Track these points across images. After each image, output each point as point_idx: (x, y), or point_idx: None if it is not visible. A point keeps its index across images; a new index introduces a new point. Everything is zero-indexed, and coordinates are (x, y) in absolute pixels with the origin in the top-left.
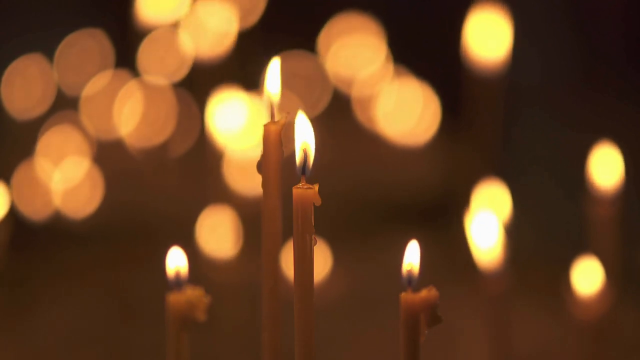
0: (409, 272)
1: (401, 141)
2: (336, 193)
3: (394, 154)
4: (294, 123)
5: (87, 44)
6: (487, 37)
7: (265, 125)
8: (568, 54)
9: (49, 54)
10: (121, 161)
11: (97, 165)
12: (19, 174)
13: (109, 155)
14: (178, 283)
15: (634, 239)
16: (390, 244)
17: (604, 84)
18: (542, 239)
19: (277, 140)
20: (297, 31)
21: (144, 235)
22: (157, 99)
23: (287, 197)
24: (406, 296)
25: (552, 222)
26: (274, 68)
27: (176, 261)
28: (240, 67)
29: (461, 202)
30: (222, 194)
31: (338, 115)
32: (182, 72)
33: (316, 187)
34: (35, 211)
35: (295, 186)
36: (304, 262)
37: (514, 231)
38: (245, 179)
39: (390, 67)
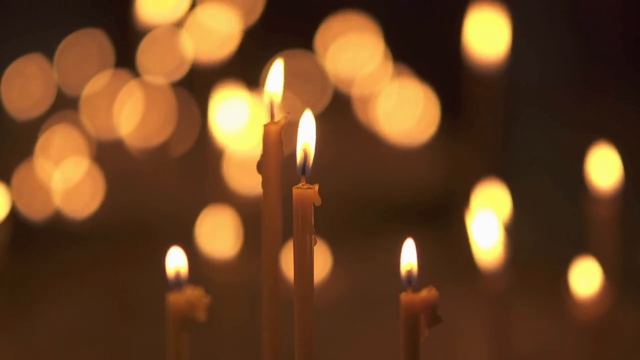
0: (409, 272)
1: (401, 141)
2: (336, 193)
3: (394, 154)
4: (294, 123)
5: (87, 44)
6: (487, 37)
7: (265, 126)
8: (567, 54)
9: (49, 54)
10: (121, 161)
11: (97, 165)
12: (19, 174)
13: (109, 155)
14: (178, 283)
15: (633, 239)
16: (390, 244)
17: (603, 83)
18: (542, 239)
19: (277, 140)
20: (297, 31)
21: (144, 235)
22: (157, 99)
23: (287, 197)
24: (406, 296)
25: (552, 222)
26: (276, 69)
27: (176, 261)
28: (240, 66)
29: (461, 202)
30: (222, 194)
31: (338, 115)
32: (182, 72)
33: (316, 187)
34: (35, 211)
35: (295, 186)
36: (304, 262)
37: (514, 231)
38: (245, 179)
39: (390, 66)
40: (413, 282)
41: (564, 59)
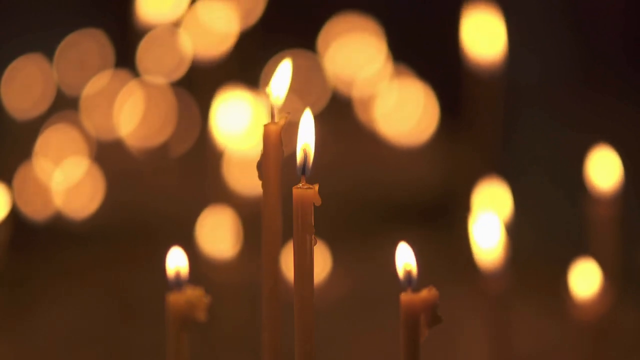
0: (408, 273)
1: (401, 141)
2: (336, 193)
3: (394, 154)
4: (294, 123)
5: (87, 44)
6: (486, 37)
7: (265, 126)
8: (567, 54)
9: (49, 54)
10: (121, 161)
11: (97, 165)
12: (20, 174)
13: (109, 155)
14: (178, 283)
15: (633, 239)
16: (391, 244)
17: (603, 83)
18: (542, 239)
19: (277, 140)
20: (297, 31)
21: (144, 235)
22: (157, 99)
23: (287, 197)
24: (406, 296)
25: (552, 222)
26: (283, 69)
27: (176, 261)
28: (240, 66)
29: (461, 202)
30: (222, 194)
31: (338, 115)
32: (181, 72)
33: (316, 187)
34: (35, 211)
35: (295, 186)
36: (304, 262)
37: (514, 231)
38: (245, 179)
39: (390, 67)
40: (413, 282)
41: (564, 59)
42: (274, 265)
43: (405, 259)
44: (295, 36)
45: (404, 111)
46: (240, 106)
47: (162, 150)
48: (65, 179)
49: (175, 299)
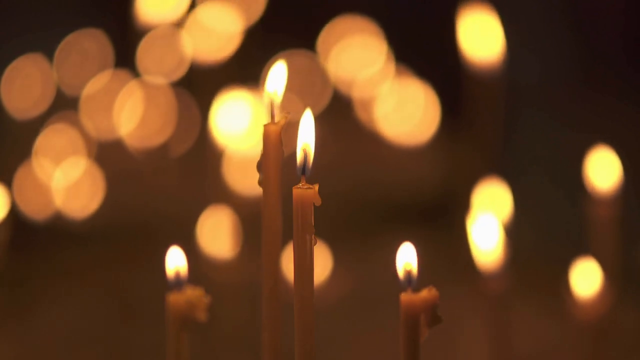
0: (408, 273)
1: (401, 141)
2: (336, 193)
3: (394, 154)
4: (294, 123)
5: (87, 44)
6: (487, 37)
7: (265, 126)
8: (567, 54)
9: (49, 54)
10: (121, 161)
11: (97, 165)
12: (20, 174)
13: (109, 155)
14: (178, 283)
15: (633, 239)
16: (391, 244)
17: (603, 83)
18: (542, 239)
19: (277, 140)
20: (297, 31)
21: (144, 235)
22: (157, 99)
23: (287, 197)
24: (406, 296)
25: (552, 222)
26: (278, 70)
27: (176, 261)
28: (240, 66)
29: (461, 202)
30: (222, 194)
31: (338, 115)
32: (181, 72)
33: (316, 187)
34: (35, 211)
35: (295, 186)
36: (304, 262)
37: (514, 231)
38: (245, 179)
39: (391, 67)
40: (413, 282)
41: (564, 59)
42: (274, 265)
43: (406, 258)
44: (296, 37)
45: (404, 111)
46: (240, 106)
47: (162, 150)
48: (65, 179)
49: (175, 299)
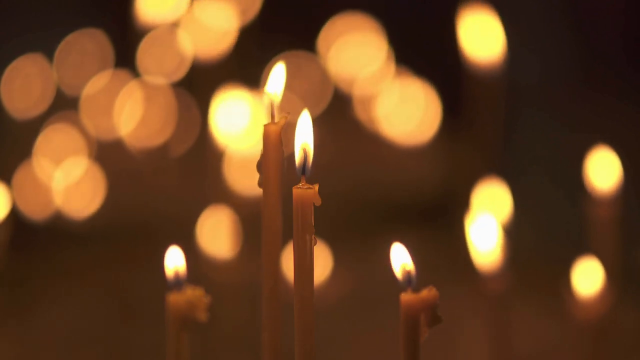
0: (407, 273)
1: (401, 141)
2: (336, 193)
3: (394, 154)
4: (294, 123)
5: (87, 44)
6: (487, 37)
7: (265, 126)
8: (567, 54)
9: (49, 54)
10: (121, 161)
11: (97, 165)
12: (20, 174)
13: (109, 155)
14: (178, 283)
15: (633, 239)
16: (391, 244)
17: (603, 83)
18: (542, 239)
19: (277, 140)
20: (297, 31)
21: (144, 235)
22: (157, 99)
23: (287, 197)
24: (406, 296)
25: (552, 222)
26: (277, 70)
27: (174, 261)
28: (240, 66)
29: (461, 202)
30: (222, 194)
31: (339, 115)
32: (181, 72)
33: (316, 187)
34: (35, 211)
35: (295, 186)
36: (304, 262)
37: (514, 231)
38: (245, 179)
39: (391, 67)
40: (413, 282)
41: (564, 59)
42: (274, 265)
43: (401, 260)
44: (296, 36)
45: (405, 111)
46: (240, 106)
47: (162, 150)
48: (65, 179)
49: (175, 299)
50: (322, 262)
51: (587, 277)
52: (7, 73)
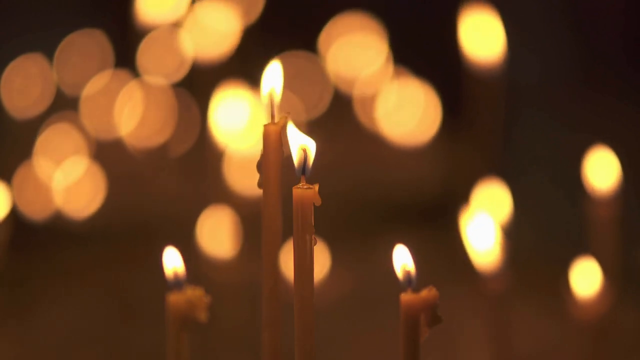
0: (407, 273)
1: (401, 141)
2: (336, 193)
3: (394, 154)
4: (293, 124)
5: (87, 44)
6: (487, 37)
7: (265, 126)
8: (567, 54)
9: (49, 54)
10: (121, 161)
11: (97, 165)
12: (20, 174)
13: (109, 155)
14: (178, 283)
15: (633, 239)
16: (391, 244)
17: (603, 83)
18: (542, 239)
19: (277, 140)
20: (297, 31)
21: (144, 236)
22: (157, 99)
23: (287, 197)
24: (406, 296)
25: (552, 222)
26: (274, 70)
27: (172, 261)
28: (240, 66)
29: (461, 202)
30: (222, 194)
31: (338, 115)
32: (182, 72)
33: (316, 187)
34: (35, 211)
35: (295, 186)
36: (304, 262)
37: (514, 231)
38: (245, 179)
39: (391, 67)
40: (413, 283)
41: (564, 59)
42: (274, 265)
43: (402, 261)
44: (296, 36)
45: (405, 111)
46: (241, 106)
47: (162, 151)
48: (65, 179)
49: (175, 299)
50: (322, 262)
51: (587, 277)
52: (7, 73)
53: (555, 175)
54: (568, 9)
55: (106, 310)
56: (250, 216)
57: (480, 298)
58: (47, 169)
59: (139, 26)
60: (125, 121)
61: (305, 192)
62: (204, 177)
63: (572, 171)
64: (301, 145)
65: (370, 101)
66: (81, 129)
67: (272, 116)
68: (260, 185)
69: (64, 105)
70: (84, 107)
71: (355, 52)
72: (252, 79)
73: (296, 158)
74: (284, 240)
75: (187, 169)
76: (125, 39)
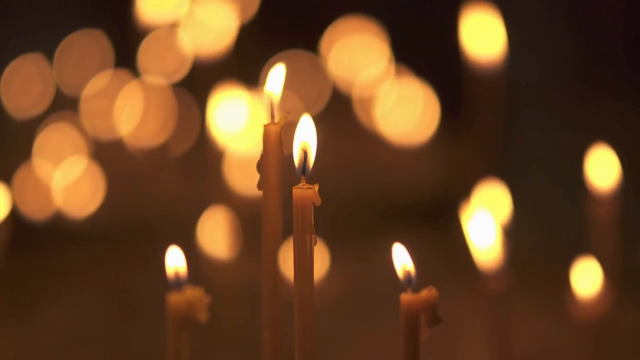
0: (407, 273)
1: (401, 141)
2: (336, 193)
3: (394, 154)
4: (294, 123)
5: (87, 44)
6: (486, 37)
7: (265, 126)
8: (567, 54)
9: (49, 54)
10: (121, 161)
11: (97, 165)
12: (20, 174)
13: (109, 155)
14: (178, 283)
15: (633, 239)
16: (391, 244)
17: (603, 83)
18: (542, 239)
19: (277, 140)
20: (297, 32)
21: (144, 235)
22: (157, 99)
23: (287, 197)
24: (406, 296)
25: (552, 222)
26: (277, 71)
27: (175, 261)
28: (240, 66)
29: (461, 202)
30: (222, 194)
31: (338, 115)
32: (182, 72)
33: (316, 187)
34: (35, 211)
35: (295, 186)
36: (304, 262)
37: (514, 231)
38: (245, 179)
39: (391, 67)
40: (413, 282)
41: (564, 59)
42: (274, 265)
43: (402, 260)
44: (296, 37)
45: (404, 111)
46: (241, 106)
47: (162, 151)
48: (65, 179)
49: (175, 299)
50: (322, 262)
51: (587, 277)
52: (7, 73)
53: (555, 175)
54: (568, 9)
55: (106, 310)
56: (250, 216)
57: (480, 298)
58: (47, 169)
59: (139, 26)
60: (125, 121)
61: (305, 192)
62: (204, 177)
63: (572, 171)
64: (301, 145)
65: (370, 101)
66: (81, 129)
67: (272, 116)
68: (259, 187)
69: (63, 105)
70: (84, 107)
71: (356, 52)
72: (253, 79)
73: (296, 158)
74: (284, 240)
75: (187, 169)
76: (125, 39)
